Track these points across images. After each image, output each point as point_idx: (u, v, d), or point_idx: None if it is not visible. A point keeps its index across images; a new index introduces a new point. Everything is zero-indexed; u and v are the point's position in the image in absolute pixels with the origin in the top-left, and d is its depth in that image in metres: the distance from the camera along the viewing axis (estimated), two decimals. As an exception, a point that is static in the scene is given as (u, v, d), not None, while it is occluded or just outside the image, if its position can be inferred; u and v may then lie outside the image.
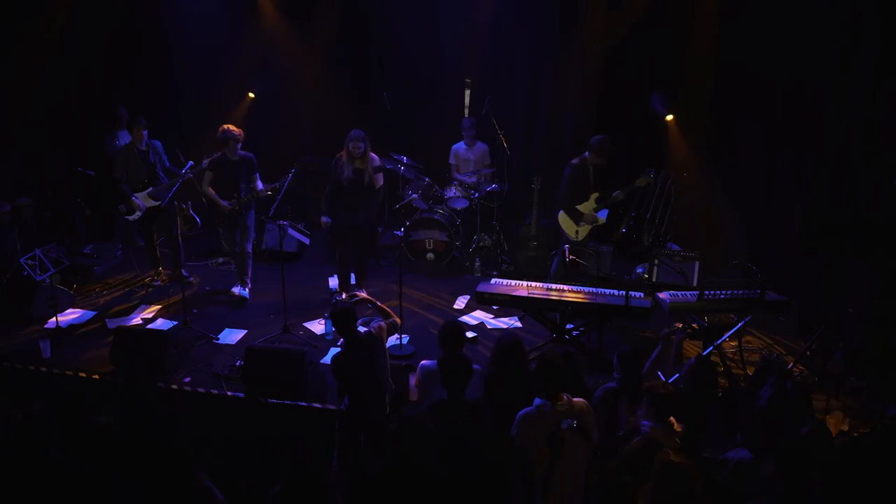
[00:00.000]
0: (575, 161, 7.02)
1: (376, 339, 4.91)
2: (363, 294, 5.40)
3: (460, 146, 8.59)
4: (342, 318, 4.86)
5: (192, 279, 8.00)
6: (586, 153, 6.95)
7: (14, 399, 4.77)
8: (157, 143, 7.65)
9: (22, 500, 3.75)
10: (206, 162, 7.23)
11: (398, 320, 5.22)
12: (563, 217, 7.10)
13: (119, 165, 7.47)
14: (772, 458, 3.60)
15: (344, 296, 6.67)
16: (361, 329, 5.00)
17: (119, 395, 4.70)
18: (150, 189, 7.50)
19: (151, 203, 7.51)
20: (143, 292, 7.75)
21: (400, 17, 8.84)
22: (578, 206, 7.04)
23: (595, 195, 7.02)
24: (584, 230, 7.12)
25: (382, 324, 5.04)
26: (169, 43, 9.00)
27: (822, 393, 5.75)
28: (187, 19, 8.88)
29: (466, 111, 9.05)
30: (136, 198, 7.48)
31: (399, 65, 9.19)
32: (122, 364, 6.08)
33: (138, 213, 7.53)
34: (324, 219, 7.22)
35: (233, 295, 7.55)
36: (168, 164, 7.72)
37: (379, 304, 5.34)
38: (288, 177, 6.99)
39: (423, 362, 4.98)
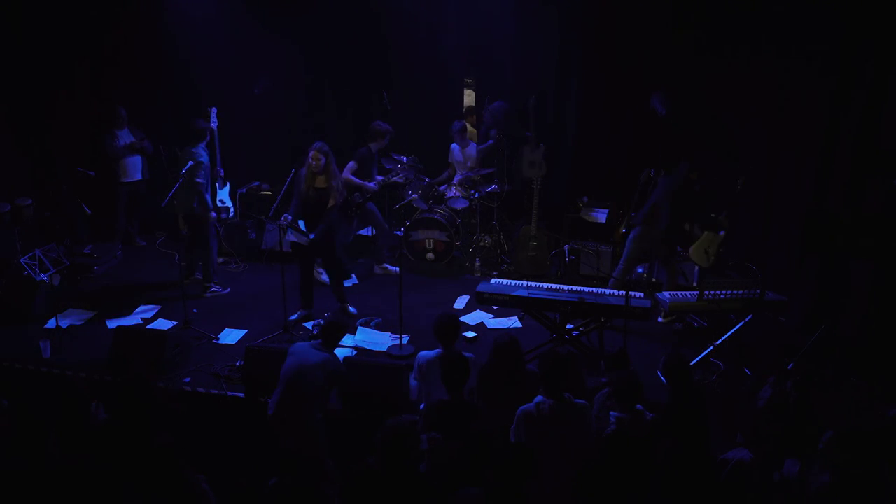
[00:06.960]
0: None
1: (337, 367, 4.99)
2: None
3: (455, 147, 8.63)
4: (331, 330, 5.02)
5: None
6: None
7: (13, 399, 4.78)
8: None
9: (22, 499, 3.75)
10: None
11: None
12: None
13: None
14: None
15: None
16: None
17: (116, 395, 4.68)
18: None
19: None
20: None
21: (400, 16, 8.83)
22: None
23: None
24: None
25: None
26: (169, 43, 8.98)
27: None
28: (187, 19, 8.86)
29: (470, 111, 9.04)
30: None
31: (399, 64, 9.17)
32: (122, 364, 6.08)
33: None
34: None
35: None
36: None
37: None
38: (289, 177, 6.99)
39: (421, 353, 5.00)
